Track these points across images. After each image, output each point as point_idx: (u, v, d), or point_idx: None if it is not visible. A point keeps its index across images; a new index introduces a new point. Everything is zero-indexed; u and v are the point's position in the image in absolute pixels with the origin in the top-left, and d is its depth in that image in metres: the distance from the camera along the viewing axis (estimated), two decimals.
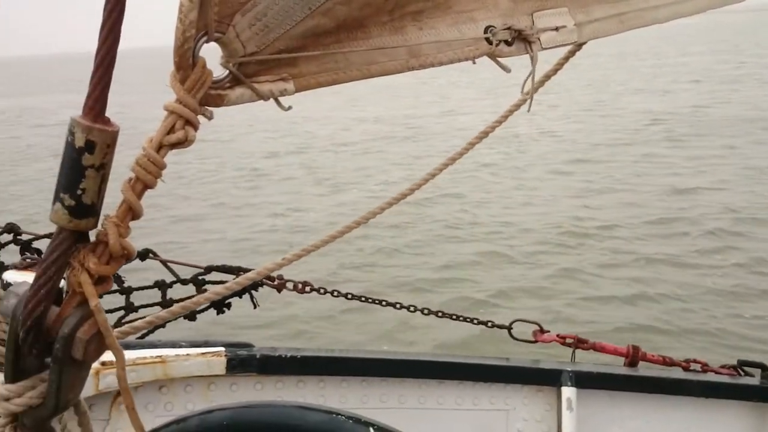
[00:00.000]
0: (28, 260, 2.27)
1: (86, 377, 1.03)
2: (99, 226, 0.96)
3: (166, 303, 3.24)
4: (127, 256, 0.97)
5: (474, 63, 1.27)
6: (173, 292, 3.38)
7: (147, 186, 0.96)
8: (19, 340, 0.96)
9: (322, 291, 3.22)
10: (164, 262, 3.28)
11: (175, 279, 3.28)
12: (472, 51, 1.25)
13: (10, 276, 2.20)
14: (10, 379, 0.99)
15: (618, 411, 2.87)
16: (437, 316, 3.16)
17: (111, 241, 0.95)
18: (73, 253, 0.95)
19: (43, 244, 3.52)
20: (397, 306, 3.20)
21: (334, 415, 1.53)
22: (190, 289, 3.34)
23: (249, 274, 1.35)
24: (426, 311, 3.17)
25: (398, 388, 2.76)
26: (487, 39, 1.26)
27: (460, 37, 1.24)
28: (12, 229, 3.55)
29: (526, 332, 3.16)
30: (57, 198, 0.92)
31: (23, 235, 3.55)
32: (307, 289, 3.20)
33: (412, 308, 3.19)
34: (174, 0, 0.92)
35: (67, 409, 1.03)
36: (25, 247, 3.51)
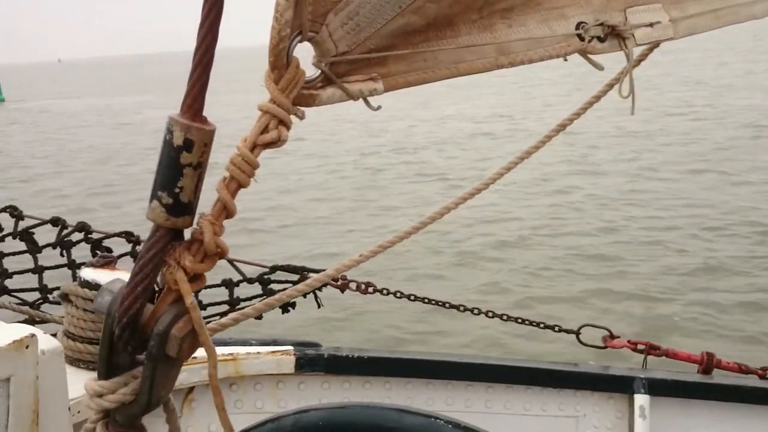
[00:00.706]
0: (105, 258, 2.32)
1: (177, 375, 1.04)
2: (194, 225, 0.97)
3: (233, 302, 3.29)
4: (221, 255, 0.98)
5: (565, 60, 1.24)
6: (239, 291, 3.44)
7: (241, 185, 0.97)
8: (114, 337, 0.98)
9: (385, 292, 3.22)
10: (231, 261, 3.33)
11: (241, 278, 3.33)
12: (563, 48, 1.22)
13: (86, 274, 2.26)
14: (104, 375, 1.01)
15: (692, 420, 2.78)
16: (502, 319, 3.12)
17: (206, 240, 0.95)
18: (168, 251, 0.96)
19: (112, 242, 3.63)
20: (461, 308, 3.17)
21: (433, 419, 1.51)
22: (256, 288, 3.39)
23: (320, 276, 1.36)
24: (490, 314, 3.13)
25: (464, 391, 2.73)
26: (578, 35, 1.23)
27: (550, 34, 1.21)
28: (83, 227, 3.66)
29: (595, 337, 3.09)
30: (154, 196, 0.93)
31: (94, 233, 3.66)
32: (370, 290, 3.21)
33: (475, 311, 3.15)
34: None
35: (158, 406, 1.04)
36: (96, 245, 3.62)
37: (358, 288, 3.19)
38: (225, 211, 0.97)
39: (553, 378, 2.76)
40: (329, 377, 2.62)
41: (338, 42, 1.01)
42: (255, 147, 0.96)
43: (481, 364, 2.83)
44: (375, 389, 2.66)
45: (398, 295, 3.23)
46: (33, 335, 1.25)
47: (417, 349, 6.69)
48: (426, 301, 3.25)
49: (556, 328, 3.15)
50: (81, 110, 40.97)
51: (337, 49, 1.02)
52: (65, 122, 34.07)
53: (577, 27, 1.22)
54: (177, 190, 0.92)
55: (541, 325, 3.17)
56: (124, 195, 15.75)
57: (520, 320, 3.15)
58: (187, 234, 0.98)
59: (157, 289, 1.00)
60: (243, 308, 3.30)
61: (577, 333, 3.13)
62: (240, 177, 0.95)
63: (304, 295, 3.25)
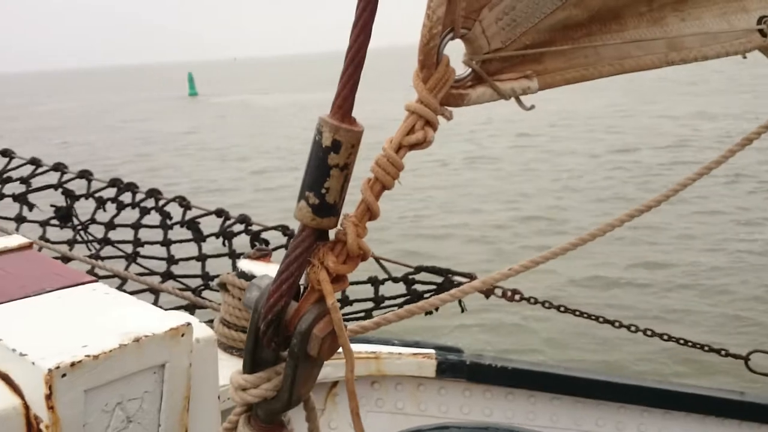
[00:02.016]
0: (260, 251, 2.41)
1: (318, 374, 1.04)
2: (338, 226, 0.96)
3: (377, 299, 3.32)
4: (363, 257, 0.96)
5: (744, 57, 1.10)
6: (383, 289, 3.47)
7: (385, 187, 0.94)
8: (259, 333, 0.99)
9: (532, 301, 3.10)
10: (377, 259, 3.36)
11: (387, 276, 3.36)
12: (742, 44, 1.09)
13: (243, 265, 2.36)
14: (248, 369, 1.03)
15: None
16: (662, 339, 2.90)
17: (349, 241, 0.94)
18: (313, 251, 0.96)
19: (270, 235, 3.79)
20: (616, 324, 2.98)
21: None
22: (401, 287, 3.41)
23: (466, 287, 1.31)
24: (649, 332, 2.92)
25: (616, 413, 2.57)
26: (760, 31, 1.10)
27: (728, 29, 1.08)
28: (244, 219, 3.86)
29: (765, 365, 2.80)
30: (302, 196, 0.93)
31: (253, 225, 3.84)
32: (517, 297, 3.11)
33: (632, 327, 2.96)
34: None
35: (298, 404, 1.05)
36: (255, 236, 3.80)
37: (503, 295, 3.10)
38: (369, 212, 0.95)
39: (715, 406, 2.53)
40: (471, 385, 2.57)
41: (491, 38, 0.96)
42: (400, 148, 0.94)
43: (635, 385, 2.64)
44: (518, 402, 2.57)
45: (546, 305, 3.11)
46: (188, 324, 1.30)
47: (563, 364, 6.41)
48: (577, 313, 3.09)
49: (723, 353, 2.89)
50: (281, 105, 42.42)
51: (490, 46, 0.97)
52: (270, 116, 35.44)
53: (759, 21, 1.09)
54: (323, 191, 0.92)
55: (706, 348, 2.92)
56: None
57: (682, 341, 2.92)
58: (332, 234, 0.98)
59: (302, 286, 1.01)
60: (387, 307, 3.33)
61: (746, 359, 2.85)
62: (384, 178, 0.93)
63: None
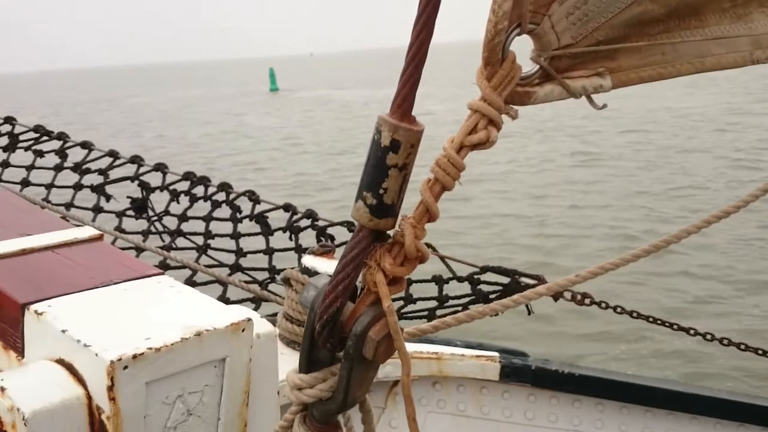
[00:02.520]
0: (324, 247, 2.42)
1: (374, 376, 1.02)
2: (396, 227, 0.94)
3: (441, 298, 3.29)
4: (421, 259, 0.94)
5: None
6: (448, 288, 3.43)
7: (445, 188, 0.92)
8: (315, 333, 0.98)
9: (603, 305, 3.00)
10: (443, 258, 3.33)
11: (451, 276, 3.32)
12: None
13: (307, 261, 2.38)
14: (304, 369, 1.02)
15: None
16: (739, 348, 2.75)
17: (407, 243, 0.92)
18: (370, 252, 0.94)
19: (335, 230, 3.81)
20: (691, 332, 2.85)
21: None
22: (465, 287, 3.36)
23: (532, 292, 1.26)
24: (725, 341, 2.78)
25: (689, 425, 2.46)
26: None
27: None
28: (310, 215, 3.89)
29: None
30: (360, 196, 0.91)
31: (320, 221, 3.87)
32: (587, 301, 3.01)
33: (708, 336, 2.82)
34: None
35: (354, 406, 1.03)
36: (321, 232, 3.83)
37: (573, 298, 3.02)
38: (428, 214, 0.92)
39: None
40: (536, 390, 2.50)
41: (561, 34, 0.92)
42: (462, 148, 0.91)
43: (710, 397, 2.52)
44: (585, 410, 2.49)
45: (618, 310, 3.00)
46: (249, 319, 1.31)
47: (632, 372, 6.18)
48: (650, 320, 2.98)
49: None
50: (366, 100, 42.30)
51: (560, 42, 0.92)
52: (357, 111, 35.30)
53: None
54: (381, 192, 0.90)
55: None
56: None
57: (761, 351, 2.77)
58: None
59: (359, 287, 0.99)
60: (451, 306, 3.29)
61: None
62: (444, 179, 0.90)
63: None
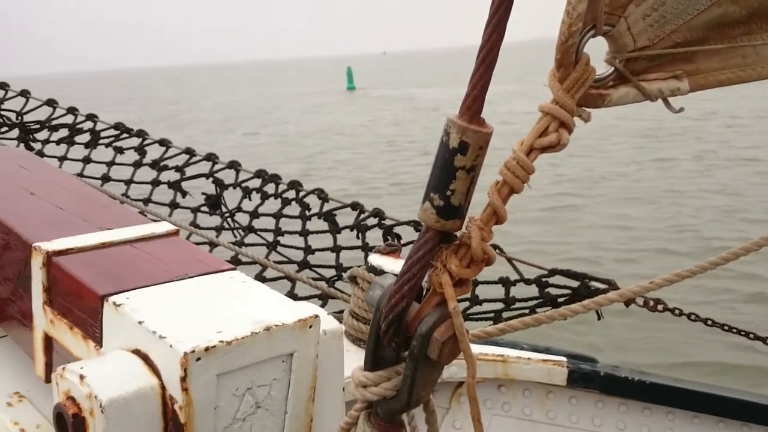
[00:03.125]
0: (390, 246, 2.43)
1: (438, 377, 1.02)
2: (463, 228, 0.94)
3: (508, 300, 3.25)
4: (487, 261, 0.94)
5: None
6: (515, 290, 3.39)
7: (513, 190, 0.91)
8: (380, 332, 0.99)
9: (677, 312, 2.91)
10: (510, 260, 3.29)
11: (519, 278, 3.28)
12: None
13: (373, 259, 2.40)
14: (369, 367, 1.03)
15: None
16: None
17: (473, 245, 0.92)
18: (436, 253, 0.95)
19: (402, 230, 3.82)
20: None
21: None
22: (532, 289, 3.31)
23: (611, 294, 1.24)
24: None
25: None
26: None
27: None
28: (377, 213, 3.91)
29: None
30: (427, 197, 0.92)
31: (386, 220, 3.88)
32: (660, 307, 2.93)
33: None
34: None
35: (418, 406, 1.04)
36: (388, 231, 3.85)
37: (645, 304, 2.94)
38: (495, 216, 0.92)
39: None
40: (604, 397, 2.45)
41: (637, 36, 0.90)
42: (532, 150, 0.90)
43: None
44: (655, 418, 2.42)
45: (692, 317, 2.90)
46: (316, 316, 1.33)
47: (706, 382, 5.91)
48: (726, 328, 2.87)
49: None
50: (448, 98, 40.38)
51: (636, 44, 0.91)
52: (443, 110, 34.27)
53: None
54: (449, 193, 0.90)
55: None
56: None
57: None
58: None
59: (425, 288, 1.00)
60: (517, 309, 3.25)
61: None
62: (513, 182, 0.90)
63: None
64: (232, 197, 4.13)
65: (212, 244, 3.33)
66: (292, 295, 3.15)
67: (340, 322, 1.54)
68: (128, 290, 1.39)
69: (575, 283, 3.18)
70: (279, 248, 3.86)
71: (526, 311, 3.22)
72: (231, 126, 32.05)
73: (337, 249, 3.85)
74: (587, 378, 2.43)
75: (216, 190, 4.11)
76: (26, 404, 1.65)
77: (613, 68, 0.91)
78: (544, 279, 3.25)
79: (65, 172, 2.45)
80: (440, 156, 0.90)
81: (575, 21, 0.84)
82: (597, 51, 0.95)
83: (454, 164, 0.89)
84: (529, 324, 1.17)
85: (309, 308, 1.38)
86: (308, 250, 3.83)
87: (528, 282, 3.28)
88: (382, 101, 43.25)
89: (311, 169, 18.67)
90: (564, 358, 2.47)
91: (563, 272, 3.22)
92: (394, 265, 2.27)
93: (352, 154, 21.27)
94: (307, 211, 3.99)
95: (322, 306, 3.05)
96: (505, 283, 3.30)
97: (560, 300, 3.15)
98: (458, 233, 0.95)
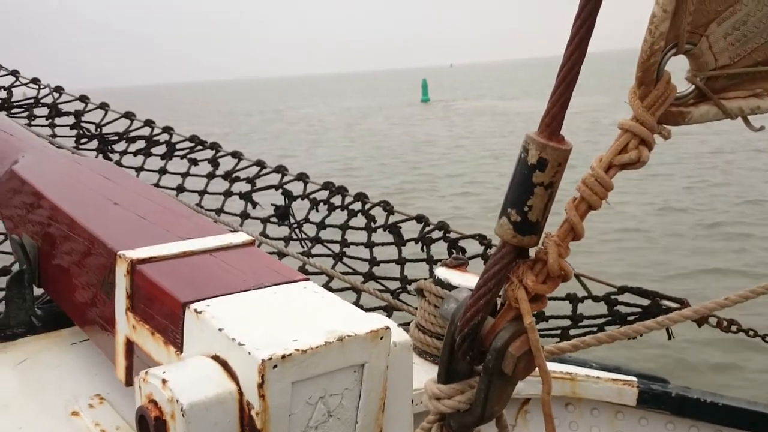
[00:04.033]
0: (457, 259, 2.44)
1: (512, 391, 1.03)
2: (539, 244, 0.95)
3: (575, 317, 3.21)
4: (564, 278, 0.94)
5: None
6: (582, 307, 3.34)
7: (591, 207, 0.92)
8: (455, 345, 1.01)
9: (751, 333, 2.81)
10: (578, 276, 3.25)
11: (586, 294, 3.23)
12: None
13: (440, 273, 2.40)
14: (443, 379, 1.05)
15: None
16: None
17: (550, 261, 0.93)
18: (512, 268, 0.96)
19: (466, 243, 3.81)
20: None
21: None
22: (601, 307, 3.26)
23: (685, 311, 1.22)
24: None
25: None
26: None
27: None
28: (442, 226, 3.92)
29: None
30: (504, 212, 0.94)
31: (451, 233, 3.89)
32: (733, 328, 2.84)
33: None
34: None
35: (491, 420, 1.05)
36: (452, 244, 3.85)
37: (718, 324, 2.85)
38: (572, 232, 0.93)
39: None
40: (675, 418, 2.38)
41: (719, 54, 0.90)
42: (610, 167, 0.91)
43: None
44: None
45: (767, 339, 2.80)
46: (387, 328, 1.35)
47: None
48: None
49: None
50: (531, 111, 39.46)
51: (717, 63, 0.90)
52: (532, 122, 33.79)
53: None
54: (526, 209, 0.92)
55: None
56: None
57: None
58: (532, 253, 0.97)
59: (499, 303, 1.01)
60: (585, 326, 3.20)
61: None
62: (591, 199, 0.91)
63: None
64: (300, 208, 4.22)
65: (281, 254, 3.41)
66: (358, 306, 3.18)
67: None
68: (208, 298, 1.43)
69: (645, 302, 3.11)
70: (345, 259, 3.91)
71: (594, 329, 3.16)
72: (321, 138, 31.86)
73: (401, 261, 3.87)
74: (658, 399, 2.37)
75: (285, 201, 4.20)
76: (106, 406, 1.71)
77: (693, 86, 0.91)
78: (612, 296, 3.19)
79: (146, 183, 2.55)
80: (518, 172, 0.92)
81: (657, 39, 0.84)
82: (678, 69, 0.95)
83: (533, 180, 0.90)
84: (602, 340, 1.16)
85: (380, 320, 1.40)
86: (373, 261, 3.86)
87: (596, 299, 3.23)
88: (469, 114, 42.55)
89: (419, 181, 18.22)
90: (634, 378, 2.42)
91: (633, 290, 3.15)
92: (461, 278, 2.27)
93: (463, 168, 20.60)
94: (372, 223, 4.03)
95: (387, 318, 3.06)
96: (573, 299, 3.25)
97: (630, 318, 3.08)
98: (534, 249, 0.96)
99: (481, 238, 3.72)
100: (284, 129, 38.67)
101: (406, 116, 43.23)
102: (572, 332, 3.19)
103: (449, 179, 18.83)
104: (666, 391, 2.37)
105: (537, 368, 0.97)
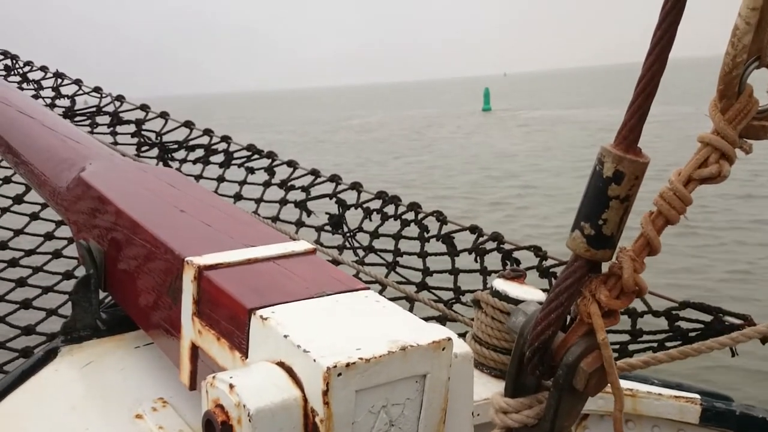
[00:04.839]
0: (515, 271, 2.41)
1: (582, 407, 1.02)
2: (613, 259, 0.94)
3: (634, 332, 3.13)
4: (639, 293, 0.93)
5: None
6: (642, 322, 3.25)
7: (669, 222, 0.90)
8: (524, 359, 1.00)
9: None
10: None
11: (646, 309, 3.15)
12: None
13: (498, 284, 2.38)
14: (510, 393, 1.04)
15: None
16: None
17: (625, 276, 0.91)
18: (585, 282, 0.95)
19: (521, 254, 3.76)
20: None
21: None
22: (661, 322, 3.17)
23: (747, 331, 1.18)
24: None
25: None
26: None
27: None
28: (496, 237, 3.88)
29: None
30: (577, 225, 0.93)
31: (505, 243, 3.85)
32: None
33: None
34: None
35: None
36: (507, 255, 3.81)
37: None
38: (648, 247, 0.91)
39: None
40: None
41: None
42: (690, 181, 0.89)
43: None
44: None
45: None
46: (449, 339, 1.35)
47: None
48: None
49: None
50: (599, 120, 38.35)
51: None
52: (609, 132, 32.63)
53: None
54: (600, 222, 0.90)
55: None
56: None
57: None
58: (605, 267, 0.96)
59: (569, 317, 0.99)
60: (645, 342, 3.12)
61: None
62: (669, 213, 0.89)
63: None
64: (353, 217, 4.25)
65: (336, 262, 3.43)
66: None
67: None
68: (273, 305, 1.45)
69: (708, 317, 3.01)
70: (398, 269, 3.91)
71: (654, 345, 3.08)
72: (389, 148, 31.23)
73: (455, 271, 3.85)
74: (722, 417, 2.29)
75: (338, 210, 4.23)
76: (169, 410, 1.75)
77: None
78: (674, 312, 3.10)
79: (209, 190, 2.61)
80: (593, 185, 0.91)
81: (740, 52, 0.83)
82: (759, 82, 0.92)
83: (608, 193, 0.89)
84: (675, 357, 1.14)
85: (442, 330, 1.40)
86: (426, 271, 3.85)
87: (656, 314, 3.15)
88: (538, 123, 41.27)
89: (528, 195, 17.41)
90: (697, 395, 2.35)
91: (695, 305, 3.06)
92: (519, 290, 2.25)
93: (550, 178, 19.67)
94: (425, 233, 4.02)
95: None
96: (632, 314, 3.18)
97: (692, 335, 2.99)
98: (608, 263, 0.95)
99: (536, 250, 3.67)
100: (348, 138, 38.44)
101: (471, 125, 42.51)
102: (631, 347, 3.12)
103: (547, 197, 17.48)
104: (730, 409, 2.30)
105: (610, 385, 0.95)
